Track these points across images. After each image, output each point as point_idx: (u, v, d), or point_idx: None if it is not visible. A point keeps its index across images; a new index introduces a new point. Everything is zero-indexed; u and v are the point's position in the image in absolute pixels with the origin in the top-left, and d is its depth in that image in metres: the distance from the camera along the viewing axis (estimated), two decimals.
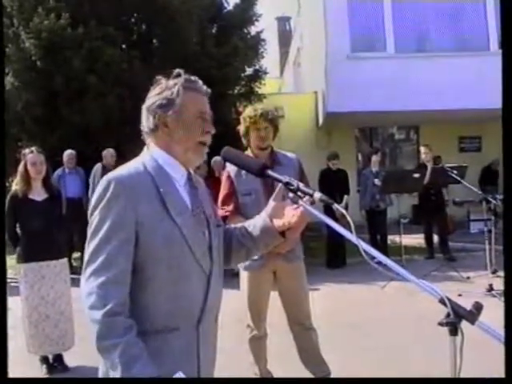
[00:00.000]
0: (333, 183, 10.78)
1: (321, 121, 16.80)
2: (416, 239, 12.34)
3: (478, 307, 1.70)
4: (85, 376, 5.37)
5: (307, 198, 2.12)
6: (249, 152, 4.56)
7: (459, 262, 10.65)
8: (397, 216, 10.62)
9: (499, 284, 7.76)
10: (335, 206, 2.04)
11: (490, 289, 7.94)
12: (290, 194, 2.17)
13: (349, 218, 1.98)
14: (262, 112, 4.48)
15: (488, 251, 8.47)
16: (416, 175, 10.31)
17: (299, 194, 2.15)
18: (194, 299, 2.17)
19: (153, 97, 2.23)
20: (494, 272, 8.54)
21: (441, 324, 1.71)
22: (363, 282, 9.22)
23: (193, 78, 2.28)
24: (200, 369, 2.19)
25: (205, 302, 2.19)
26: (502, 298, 7.20)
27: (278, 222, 2.33)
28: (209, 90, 2.32)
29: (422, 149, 11.66)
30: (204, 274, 2.20)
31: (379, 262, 1.92)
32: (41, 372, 5.80)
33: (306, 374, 4.69)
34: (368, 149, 16.73)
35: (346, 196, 10.99)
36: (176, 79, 2.24)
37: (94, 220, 2.07)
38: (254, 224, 2.40)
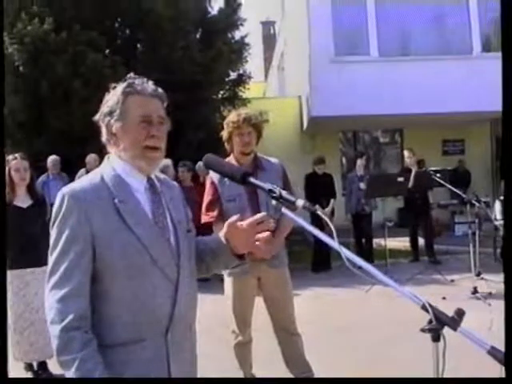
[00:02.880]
0: (318, 187, 10.81)
1: (305, 125, 16.81)
2: (401, 242, 12.37)
3: (460, 313, 1.71)
4: None
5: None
6: (232, 158, 4.55)
7: (444, 265, 10.72)
8: (382, 219, 10.65)
9: (483, 286, 7.81)
10: (319, 212, 2.03)
11: (475, 291, 7.99)
12: (273, 202, 2.15)
13: (331, 225, 1.95)
14: (245, 117, 4.45)
15: (472, 254, 8.51)
16: (400, 179, 10.33)
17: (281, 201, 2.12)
18: (160, 310, 2.12)
19: (101, 106, 2.23)
20: (478, 274, 8.57)
21: (423, 330, 1.71)
22: (348, 286, 9.22)
23: (138, 81, 2.23)
24: (171, 378, 2.15)
25: (173, 310, 2.15)
26: (487, 301, 7.26)
27: (234, 243, 2.29)
28: (160, 91, 2.25)
29: (406, 153, 11.71)
30: (170, 283, 2.16)
31: (361, 268, 1.92)
32: None
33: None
34: (352, 152, 16.76)
35: (332, 200, 10.99)
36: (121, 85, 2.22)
37: (52, 234, 2.09)
38: (213, 242, 2.37)
